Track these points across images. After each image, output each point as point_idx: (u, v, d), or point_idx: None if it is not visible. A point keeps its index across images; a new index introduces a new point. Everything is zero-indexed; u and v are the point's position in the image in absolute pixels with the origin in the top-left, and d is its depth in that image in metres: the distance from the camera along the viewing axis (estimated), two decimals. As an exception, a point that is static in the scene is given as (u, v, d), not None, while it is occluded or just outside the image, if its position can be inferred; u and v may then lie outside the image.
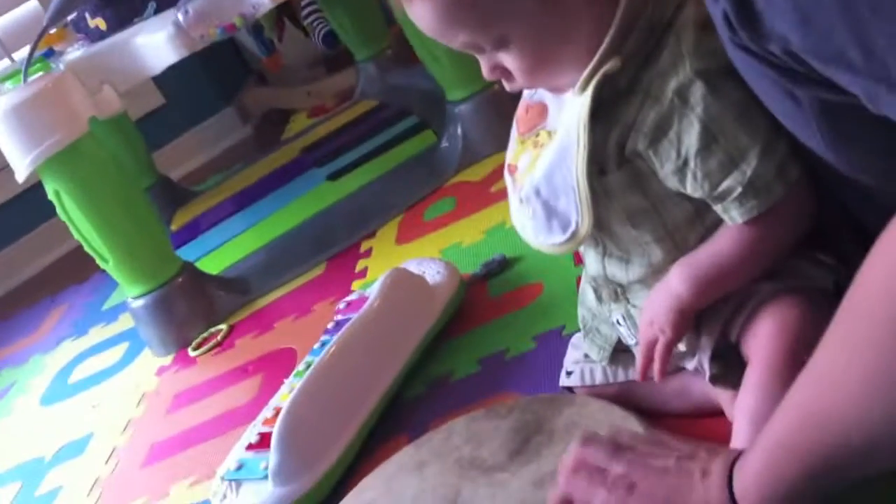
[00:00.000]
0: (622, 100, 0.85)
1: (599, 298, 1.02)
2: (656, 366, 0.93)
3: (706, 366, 0.93)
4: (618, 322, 1.01)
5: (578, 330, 1.08)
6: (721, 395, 0.95)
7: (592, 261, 1.00)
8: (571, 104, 0.88)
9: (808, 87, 0.64)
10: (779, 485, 0.68)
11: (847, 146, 0.68)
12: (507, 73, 0.87)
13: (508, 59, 0.85)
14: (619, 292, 0.99)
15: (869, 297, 0.61)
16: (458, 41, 0.85)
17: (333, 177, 2.37)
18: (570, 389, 1.09)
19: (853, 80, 0.57)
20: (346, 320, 1.37)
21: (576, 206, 0.88)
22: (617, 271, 0.97)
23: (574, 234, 0.90)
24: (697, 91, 0.81)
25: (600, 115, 0.85)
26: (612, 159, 0.87)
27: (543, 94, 0.95)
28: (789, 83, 0.65)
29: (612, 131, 0.86)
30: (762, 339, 0.86)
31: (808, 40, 0.58)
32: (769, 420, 0.70)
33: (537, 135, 0.95)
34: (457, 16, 0.82)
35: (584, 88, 0.85)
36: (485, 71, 0.88)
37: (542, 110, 0.95)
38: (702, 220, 0.90)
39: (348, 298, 1.46)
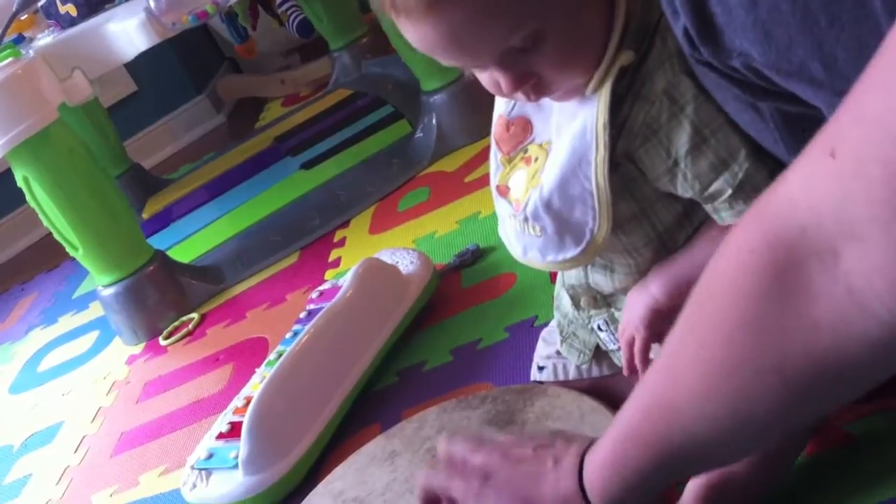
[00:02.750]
0: (617, 102, 0.83)
1: (577, 305, 1.01)
2: (638, 363, 0.93)
3: None
4: (598, 328, 1.00)
5: (551, 320, 1.08)
6: None
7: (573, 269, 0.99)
8: (563, 109, 0.86)
9: (770, 100, 0.64)
10: (627, 473, 0.68)
11: None
12: (537, 80, 0.80)
13: (543, 59, 0.78)
14: (600, 298, 0.98)
15: (715, 291, 0.60)
16: (488, 50, 0.76)
17: (307, 166, 2.37)
18: (540, 383, 1.10)
19: (815, 94, 0.57)
20: (319, 310, 1.37)
21: (593, 213, 0.85)
22: (600, 280, 0.96)
23: (589, 244, 0.87)
24: (687, 91, 0.79)
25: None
26: None
27: (523, 108, 0.91)
28: (751, 96, 0.65)
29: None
30: None
31: (770, 55, 0.57)
32: (621, 409, 0.70)
33: (525, 150, 0.92)
34: (493, 15, 0.73)
35: (599, 85, 0.81)
36: (509, 84, 0.79)
37: (526, 125, 0.92)
38: (690, 221, 0.89)
39: (321, 288, 1.46)
